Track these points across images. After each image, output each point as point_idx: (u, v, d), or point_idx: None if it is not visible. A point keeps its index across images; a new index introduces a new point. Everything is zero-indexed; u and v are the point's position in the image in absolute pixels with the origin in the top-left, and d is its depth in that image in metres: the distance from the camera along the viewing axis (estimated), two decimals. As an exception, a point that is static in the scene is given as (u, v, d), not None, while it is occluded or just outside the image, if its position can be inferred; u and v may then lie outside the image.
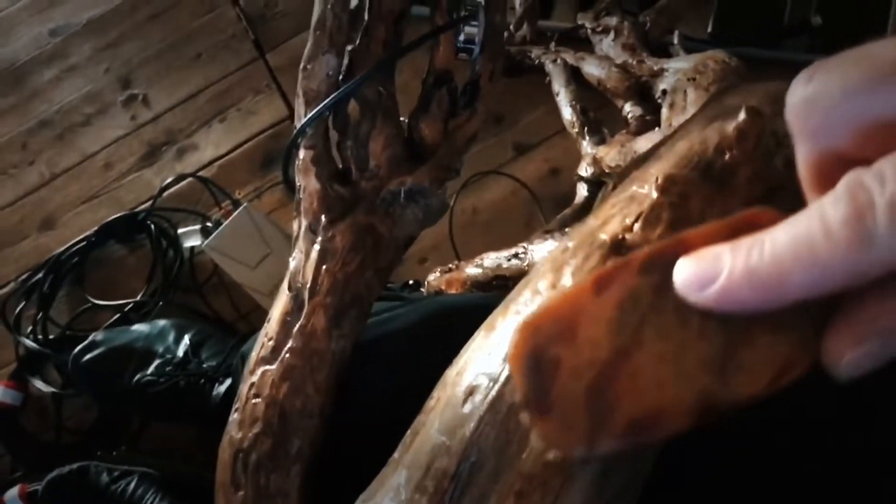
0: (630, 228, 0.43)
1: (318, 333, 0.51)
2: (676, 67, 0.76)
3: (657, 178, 0.44)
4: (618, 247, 0.42)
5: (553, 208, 1.26)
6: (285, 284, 0.54)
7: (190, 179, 1.36)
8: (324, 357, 0.51)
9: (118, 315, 1.28)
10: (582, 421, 0.26)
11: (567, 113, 0.82)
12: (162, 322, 1.17)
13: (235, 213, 1.24)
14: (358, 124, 0.56)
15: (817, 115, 0.21)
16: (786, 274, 0.20)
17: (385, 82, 0.58)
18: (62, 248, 1.33)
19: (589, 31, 0.92)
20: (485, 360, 0.43)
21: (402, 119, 0.60)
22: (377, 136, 0.56)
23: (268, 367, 0.51)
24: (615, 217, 0.44)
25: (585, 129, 0.78)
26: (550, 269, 0.45)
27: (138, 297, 1.29)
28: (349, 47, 0.58)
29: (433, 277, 0.72)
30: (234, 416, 0.51)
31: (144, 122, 1.43)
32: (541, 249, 0.60)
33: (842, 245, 0.19)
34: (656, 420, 0.25)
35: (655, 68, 0.79)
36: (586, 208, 0.76)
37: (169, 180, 1.36)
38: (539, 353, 0.26)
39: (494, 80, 0.60)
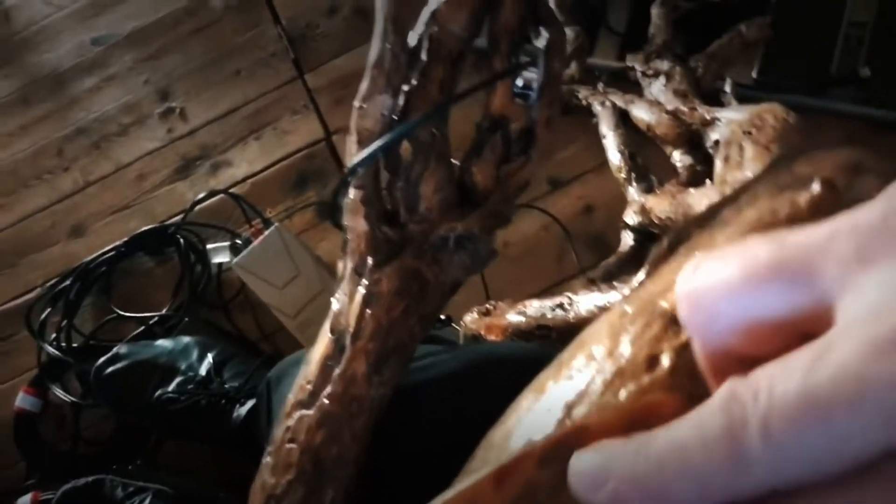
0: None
1: (359, 379, 0.50)
2: (730, 118, 0.75)
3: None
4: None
5: (586, 246, 1.25)
6: (327, 326, 0.53)
7: (222, 195, 1.36)
8: (363, 404, 0.50)
9: (143, 328, 1.27)
10: None
11: (615, 157, 0.80)
12: (186, 339, 1.16)
13: (266, 233, 1.23)
14: (410, 166, 0.55)
15: (702, 312, 0.21)
16: (666, 482, 0.19)
17: (439, 124, 0.57)
18: (91, 257, 1.33)
19: (639, 73, 0.91)
20: (534, 426, 0.42)
21: (453, 161, 0.59)
22: (429, 178, 0.55)
23: (305, 411, 0.50)
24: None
25: (633, 175, 0.77)
26: (608, 334, 0.43)
27: (164, 311, 1.28)
28: (405, 87, 0.57)
29: (470, 319, 0.70)
30: (268, 460, 0.50)
31: (180, 136, 1.43)
32: (586, 301, 0.59)
33: (717, 460, 0.18)
34: None
35: (707, 117, 0.77)
36: (632, 258, 0.75)
37: (201, 195, 1.36)
38: None
39: (550, 128, 0.59)
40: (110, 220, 1.40)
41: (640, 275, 0.58)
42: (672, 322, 0.42)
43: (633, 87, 0.96)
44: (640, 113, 0.82)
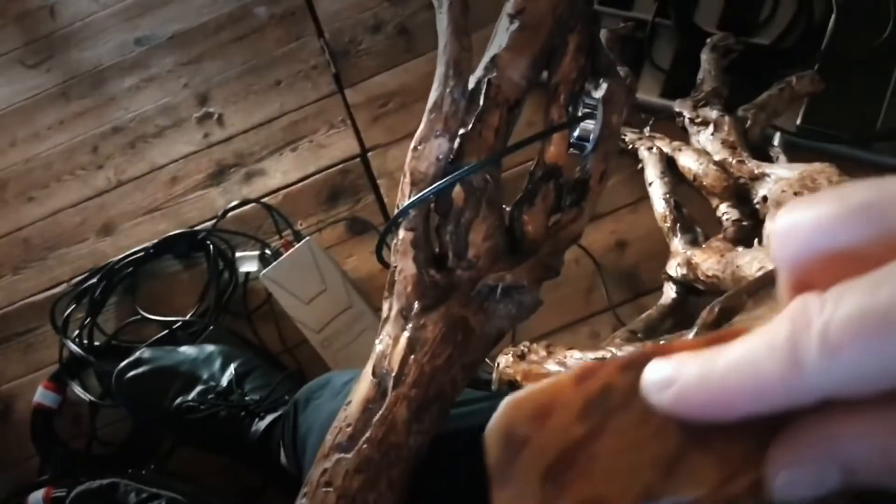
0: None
1: (399, 426, 0.50)
2: (779, 175, 0.74)
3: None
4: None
5: (616, 282, 1.24)
6: (369, 368, 0.53)
7: (254, 205, 1.36)
8: (401, 452, 0.50)
9: (166, 331, 1.27)
10: (533, 499, 0.27)
11: (659, 206, 0.80)
12: (210, 348, 1.16)
13: (297, 246, 1.23)
14: (461, 211, 0.55)
15: (792, 245, 0.22)
16: (731, 387, 0.21)
17: (492, 170, 0.56)
18: (119, 257, 1.34)
19: (686, 120, 0.90)
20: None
21: (504, 206, 0.59)
22: (479, 224, 0.55)
23: (343, 455, 0.50)
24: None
25: (678, 225, 0.76)
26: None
27: (188, 316, 1.28)
28: (461, 131, 0.57)
29: (505, 361, 0.70)
30: (303, 502, 0.50)
31: (216, 142, 1.43)
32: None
33: (777, 366, 0.19)
34: None
35: (756, 171, 0.77)
36: (674, 311, 0.74)
37: (233, 203, 1.36)
38: (512, 430, 0.27)
39: (604, 182, 0.58)
40: (140, 220, 1.40)
41: (688, 336, 0.57)
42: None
43: (674, 126, 0.96)
44: (688, 162, 0.81)
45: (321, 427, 0.65)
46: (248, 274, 1.31)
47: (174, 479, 1.14)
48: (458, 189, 0.55)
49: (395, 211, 0.56)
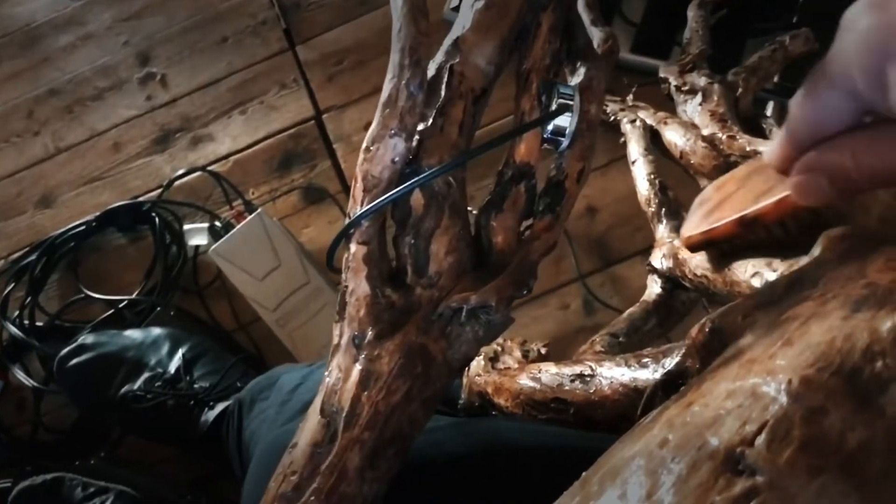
0: (751, 441, 0.35)
1: (350, 474, 0.44)
2: (771, 154, 0.68)
3: (790, 381, 0.36)
4: (733, 462, 0.35)
5: (586, 250, 1.19)
6: (317, 405, 0.47)
7: (202, 173, 1.28)
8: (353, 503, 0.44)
9: (111, 311, 1.20)
10: (691, 229, 0.55)
11: (643, 187, 0.73)
12: (157, 331, 1.09)
13: (248, 219, 1.16)
14: (421, 219, 0.48)
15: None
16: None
17: (456, 172, 0.50)
18: (59, 231, 1.25)
19: (672, 88, 0.83)
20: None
21: (469, 209, 0.52)
22: (441, 235, 0.48)
23: (289, 507, 0.44)
24: (730, 417, 0.37)
25: (663, 210, 0.70)
26: (645, 467, 0.37)
27: (135, 294, 1.21)
28: (421, 126, 0.50)
29: (475, 365, 0.64)
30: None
31: (160, 105, 1.34)
32: (610, 374, 0.53)
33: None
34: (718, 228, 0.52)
35: (748, 148, 0.71)
36: (659, 309, 0.68)
37: (180, 172, 1.28)
38: (704, 195, 0.57)
39: (583, 182, 0.52)
40: (81, 191, 1.32)
41: (675, 357, 0.52)
42: (725, 466, 0.36)
43: (653, 83, 0.89)
44: (674, 137, 0.74)
45: (265, 447, 0.59)
46: (197, 247, 1.23)
47: (124, 469, 1.08)
48: (417, 194, 0.48)
49: (347, 220, 0.49)
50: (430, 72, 0.51)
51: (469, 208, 0.52)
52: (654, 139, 0.79)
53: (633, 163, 0.76)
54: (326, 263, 0.52)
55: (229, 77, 1.34)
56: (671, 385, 0.50)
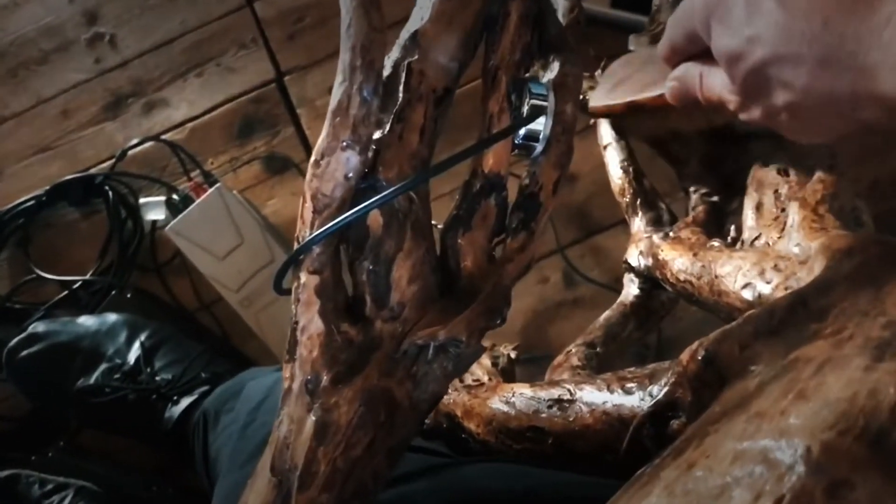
0: (766, 520, 0.30)
1: (308, 542, 0.39)
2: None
3: (808, 448, 0.32)
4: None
5: (566, 219, 1.14)
6: (267, 460, 0.41)
7: (157, 142, 1.20)
8: (312, 574, 0.39)
9: (65, 292, 1.14)
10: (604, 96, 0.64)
11: (617, 176, 0.68)
12: (113, 317, 1.03)
13: (206, 194, 1.09)
14: (380, 241, 0.43)
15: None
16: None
17: (419, 187, 0.44)
18: (7, 207, 1.18)
19: (643, 62, 0.78)
20: None
21: (434, 222, 0.47)
22: (403, 260, 0.43)
23: (238, 581, 0.39)
24: (739, 487, 0.32)
25: (639, 201, 0.65)
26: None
27: (89, 274, 1.14)
28: (377, 135, 0.44)
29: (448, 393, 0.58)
30: None
31: (110, 68, 1.26)
32: (590, 398, 0.48)
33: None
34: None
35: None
36: (637, 310, 0.63)
37: (133, 141, 1.20)
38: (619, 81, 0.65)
39: (559, 193, 0.46)
40: (29, 162, 1.24)
41: (664, 386, 0.47)
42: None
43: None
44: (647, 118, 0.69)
45: (223, 492, 0.54)
46: (154, 222, 1.17)
47: (85, 460, 1.03)
48: (375, 214, 0.43)
49: (296, 244, 0.43)
50: (386, 71, 0.45)
51: (434, 222, 0.47)
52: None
53: (605, 148, 0.71)
54: (274, 288, 0.46)
55: (183, 37, 1.26)
56: (660, 418, 0.46)
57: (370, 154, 0.43)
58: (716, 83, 0.45)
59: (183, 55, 1.25)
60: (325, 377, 0.41)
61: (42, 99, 1.26)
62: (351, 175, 0.42)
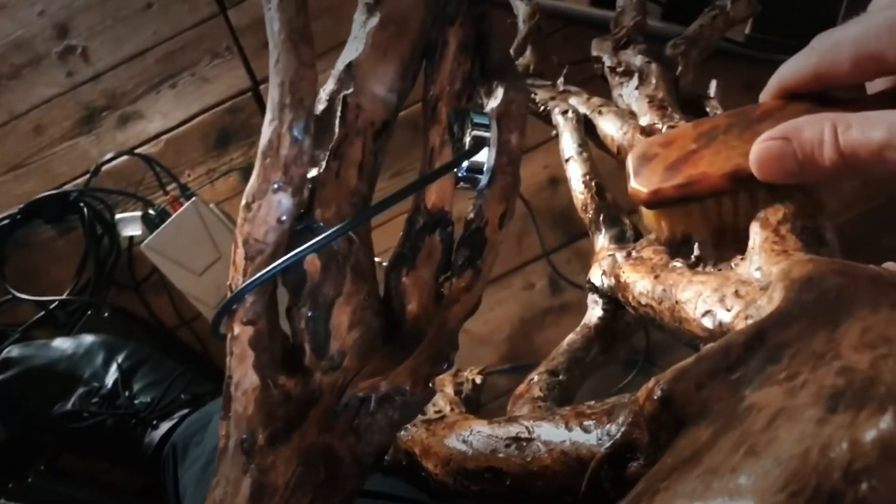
0: None
1: None
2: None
3: (761, 514, 0.30)
4: None
5: (551, 223, 1.11)
6: (204, 524, 0.40)
7: (131, 156, 1.18)
8: None
9: (42, 312, 1.12)
10: (656, 177, 0.47)
11: (578, 190, 0.65)
12: (88, 339, 1.01)
13: (181, 209, 1.07)
14: (318, 286, 0.41)
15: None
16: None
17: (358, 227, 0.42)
18: (-20, 226, 1.16)
19: (606, 69, 0.75)
20: None
21: (378, 259, 0.45)
22: (343, 304, 0.41)
23: None
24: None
25: (601, 217, 0.63)
26: None
27: (66, 294, 1.13)
28: (312, 172, 0.42)
29: (405, 428, 0.56)
30: None
31: (83, 81, 1.24)
32: (549, 434, 0.46)
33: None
34: (702, 179, 0.45)
35: (691, 141, 0.63)
36: (601, 333, 0.61)
37: (108, 156, 1.18)
38: (645, 151, 0.48)
39: (506, 227, 0.44)
40: (3, 180, 1.22)
41: (622, 425, 0.45)
42: None
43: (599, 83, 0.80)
44: (609, 129, 0.66)
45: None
46: (131, 238, 1.15)
47: (65, 484, 1.02)
48: (312, 257, 0.41)
49: (228, 293, 0.41)
50: (321, 104, 0.43)
51: (378, 259, 0.45)
52: (588, 129, 0.70)
53: (567, 161, 0.68)
54: (212, 333, 0.44)
55: (156, 48, 1.24)
56: (618, 459, 0.44)
57: (305, 194, 0.41)
58: (873, 133, 0.35)
59: (156, 66, 1.23)
60: (260, 436, 0.39)
61: (14, 115, 1.24)
62: (284, 218, 0.40)
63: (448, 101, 0.43)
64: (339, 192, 0.42)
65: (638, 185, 0.48)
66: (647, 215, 0.51)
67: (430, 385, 0.42)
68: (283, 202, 0.40)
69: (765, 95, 0.45)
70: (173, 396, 0.93)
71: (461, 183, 0.44)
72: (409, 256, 0.43)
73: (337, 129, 0.42)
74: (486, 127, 0.43)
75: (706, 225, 0.49)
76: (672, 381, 0.42)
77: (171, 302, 1.13)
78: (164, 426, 0.90)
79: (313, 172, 0.42)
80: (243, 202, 0.41)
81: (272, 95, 0.41)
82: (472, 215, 0.44)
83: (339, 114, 0.42)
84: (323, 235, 0.39)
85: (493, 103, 0.44)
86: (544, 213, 1.11)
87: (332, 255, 0.41)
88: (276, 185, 0.40)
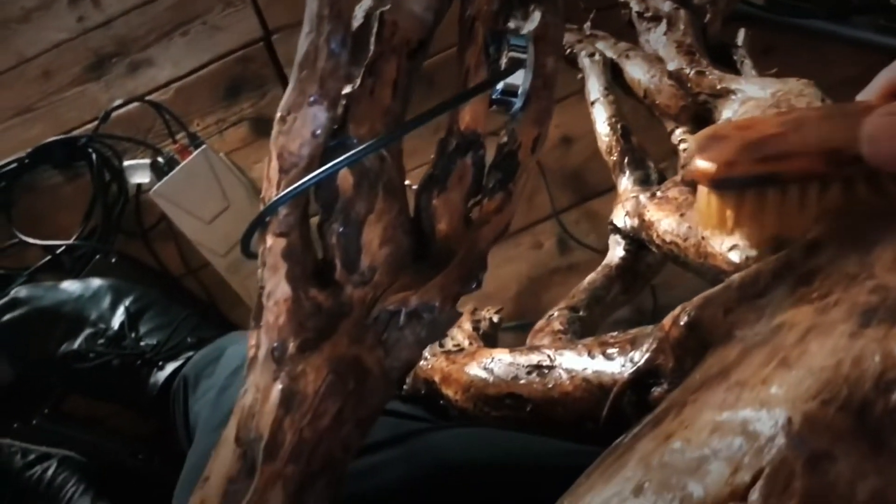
0: (743, 495, 0.29)
1: (273, 514, 0.38)
2: (747, 94, 0.61)
3: (789, 419, 0.30)
4: (724, 514, 0.29)
5: (561, 183, 1.11)
6: (232, 429, 0.40)
7: (141, 103, 1.18)
8: (277, 548, 0.38)
9: (49, 257, 1.12)
10: (733, 152, 0.39)
11: (603, 132, 0.65)
12: (97, 282, 1.01)
13: (192, 157, 1.07)
14: (350, 202, 0.41)
15: None
16: None
17: (391, 145, 0.42)
18: (-12, 170, 1.16)
19: (634, 14, 0.75)
20: None
21: (408, 183, 0.45)
22: (374, 222, 0.41)
23: (200, 554, 0.38)
24: (717, 460, 0.30)
25: (626, 159, 0.63)
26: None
27: (73, 239, 1.12)
28: (346, 89, 0.42)
29: (424, 356, 0.57)
30: None
31: (93, 27, 1.22)
32: (570, 362, 0.47)
33: None
34: (794, 154, 0.38)
35: (719, 86, 0.63)
36: (623, 273, 0.62)
37: (117, 102, 1.17)
38: (716, 132, 0.41)
39: (539, 151, 0.44)
40: (10, 124, 1.21)
41: (645, 352, 0.45)
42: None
43: (614, 7, 0.79)
44: (636, 73, 0.66)
45: (196, 456, 0.53)
46: (139, 186, 1.14)
47: (69, 427, 1.02)
48: (345, 173, 0.41)
49: (261, 205, 0.41)
50: (357, 21, 0.43)
51: (408, 182, 0.45)
52: (615, 75, 0.70)
53: (592, 103, 0.68)
54: (241, 252, 0.44)
55: (168, -6, 1.23)
56: (641, 385, 0.44)
57: (339, 110, 0.41)
58: None
59: (168, 13, 1.22)
60: (291, 344, 0.39)
61: (23, 59, 1.23)
62: (319, 132, 0.40)
63: (485, 21, 0.43)
64: (372, 110, 0.42)
65: (706, 159, 0.39)
66: (708, 202, 0.41)
67: (459, 305, 0.43)
68: (318, 116, 0.40)
69: (865, 95, 0.39)
70: (179, 339, 0.93)
71: (494, 106, 0.44)
72: (441, 178, 0.43)
73: (372, 46, 0.42)
74: (523, 49, 0.42)
75: (779, 221, 0.41)
76: (700, 308, 0.42)
77: (178, 250, 1.13)
78: (170, 367, 0.91)
79: (347, 89, 0.42)
80: (278, 115, 0.42)
81: (310, 6, 0.41)
82: (505, 139, 0.44)
83: (375, 30, 0.42)
84: (357, 149, 0.39)
85: (529, 26, 0.44)
86: (555, 173, 1.11)
87: (364, 172, 0.41)
88: (311, 99, 0.40)
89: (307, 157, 0.40)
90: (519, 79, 0.43)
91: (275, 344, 0.40)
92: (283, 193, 0.40)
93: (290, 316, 0.40)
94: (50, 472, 0.91)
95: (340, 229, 0.41)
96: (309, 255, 0.41)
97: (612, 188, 1.09)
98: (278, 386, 0.39)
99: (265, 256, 0.41)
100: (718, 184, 0.40)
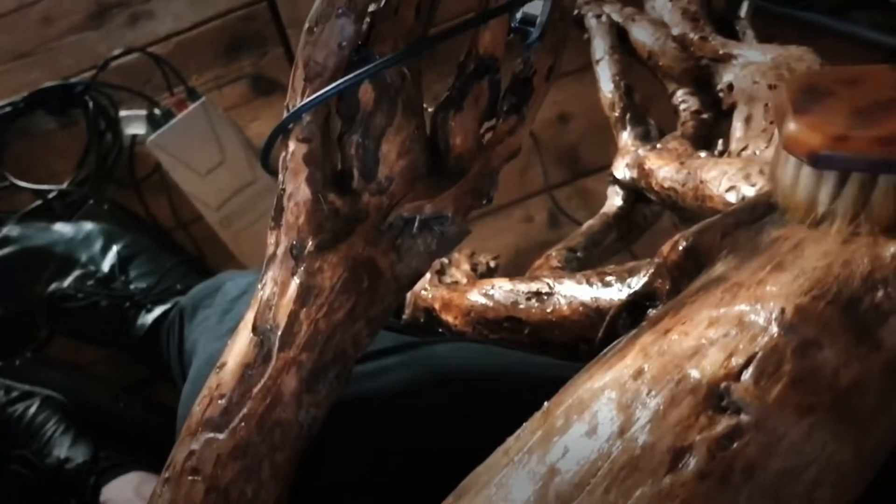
0: (737, 375, 0.31)
1: (286, 399, 0.39)
2: (749, 59, 0.63)
3: (782, 310, 0.32)
4: (717, 397, 0.31)
5: (555, 160, 1.13)
6: (249, 320, 0.41)
7: (141, 55, 1.18)
8: (288, 432, 0.39)
9: (40, 201, 1.12)
10: (836, 125, 0.31)
11: (608, 90, 0.68)
12: (89, 226, 1.02)
13: (190, 108, 1.08)
14: (370, 115, 0.43)
15: None
16: None
17: (411, 62, 0.44)
18: (-17, 112, 1.16)
19: (641, -21, 0.77)
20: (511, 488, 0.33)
21: (425, 106, 0.47)
22: (393, 135, 0.43)
23: (215, 434, 0.39)
24: (713, 347, 0.33)
25: (628, 115, 0.65)
26: (618, 401, 0.33)
27: (65, 184, 1.13)
28: (372, 6, 0.43)
29: (421, 284, 0.59)
30: (164, 492, 0.39)
31: (95, -25, 1.23)
32: (569, 291, 0.49)
33: None
34: None
35: (721, 51, 0.66)
36: (620, 223, 0.64)
37: (117, 52, 1.17)
38: (815, 84, 0.33)
39: (552, 80, 0.46)
40: (8, 68, 1.21)
41: (643, 277, 0.47)
42: (707, 402, 0.32)
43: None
44: (641, 35, 0.69)
45: (201, 362, 0.55)
46: (134, 137, 1.15)
47: (52, 370, 1.03)
48: (366, 86, 0.42)
49: (285, 112, 0.43)
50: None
51: (424, 105, 0.47)
52: (620, 38, 0.73)
53: (598, 62, 0.71)
54: (261, 162, 0.46)
55: (173, -52, 1.23)
56: (638, 307, 0.46)
57: (365, 25, 0.43)
58: None
59: (171, -33, 1.23)
60: (310, 243, 0.41)
61: (23, 4, 1.23)
62: (345, 44, 0.42)
63: (508, -49, 0.45)
64: (396, 29, 0.43)
65: (808, 126, 0.32)
66: (796, 176, 0.35)
67: (466, 220, 0.45)
68: (345, 28, 0.42)
69: None
70: (168, 284, 0.94)
71: (512, 34, 0.45)
72: (458, 99, 0.44)
73: (399, -34, 0.43)
74: (543, -24, 0.44)
75: (890, 216, 0.34)
76: (698, 233, 0.44)
77: (170, 203, 1.14)
78: (158, 310, 0.92)
79: (373, 7, 0.44)
80: (306, 26, 0.43)
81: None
82: (521, 66, 0.46)
83: (401, -50, 0.43)
84: (379, 61, 0.41)
85: (550, -42, 0.45)
86: (550, 149, 1.13)
87: (385, 86, 0.43)
88: (340, 10, 0.41)
89: (332, 68, 0.42)
90: (537, 9, 0.45)
91: (294, 242, 0.41)
92: (307, 100, 0.41)
93: (309, 217, 0.41)
94: (32, 410, 0.92)
95: (360, 140, 0.43)
96: (329, 162, 0.43)
97: (605, 167, 1.12)
98: (296, 280, 0.40)
99: (287, 161, 0.42)
100: (820, 160, 0.33)
